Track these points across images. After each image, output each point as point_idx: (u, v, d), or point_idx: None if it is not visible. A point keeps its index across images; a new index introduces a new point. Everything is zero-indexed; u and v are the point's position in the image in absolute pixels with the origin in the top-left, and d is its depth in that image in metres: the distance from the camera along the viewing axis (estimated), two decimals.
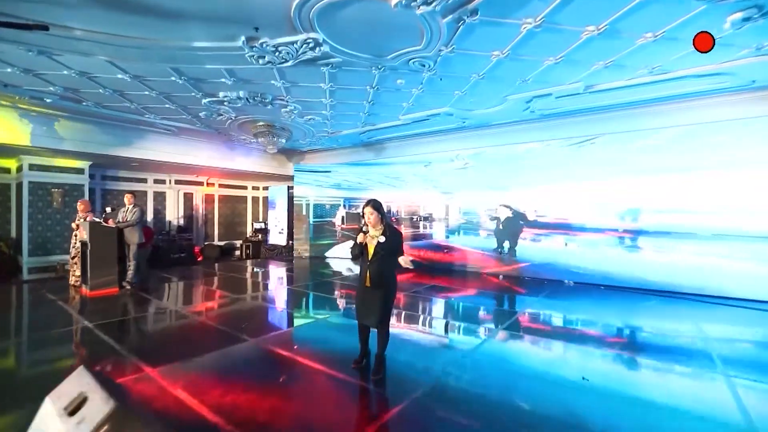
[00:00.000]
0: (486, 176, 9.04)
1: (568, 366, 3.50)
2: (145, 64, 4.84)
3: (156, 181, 11.73)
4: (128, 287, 6.23)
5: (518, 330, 4.56)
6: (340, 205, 11.68)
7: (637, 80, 5.43)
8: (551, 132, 7.74)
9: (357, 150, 10.73)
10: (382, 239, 3.15)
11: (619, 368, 3.52)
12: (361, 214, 3.29)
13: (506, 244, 8.80)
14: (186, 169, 10.98)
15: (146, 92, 5.89)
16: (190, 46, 4.33)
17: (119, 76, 5.20)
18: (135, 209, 6.48)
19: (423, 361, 3.51)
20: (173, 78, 5.31)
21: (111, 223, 6.30)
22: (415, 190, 10.43)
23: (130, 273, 6.31)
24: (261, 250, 12.29)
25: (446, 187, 9.85)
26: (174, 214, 12.02)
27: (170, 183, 11.97)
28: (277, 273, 9.09)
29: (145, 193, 11.52)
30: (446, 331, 4.64)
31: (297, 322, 4.95)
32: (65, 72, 5.06)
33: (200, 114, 7.16)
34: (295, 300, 6.24)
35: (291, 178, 11.94)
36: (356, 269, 7.53)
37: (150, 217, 11.51)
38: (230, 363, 3.45)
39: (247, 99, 6.23)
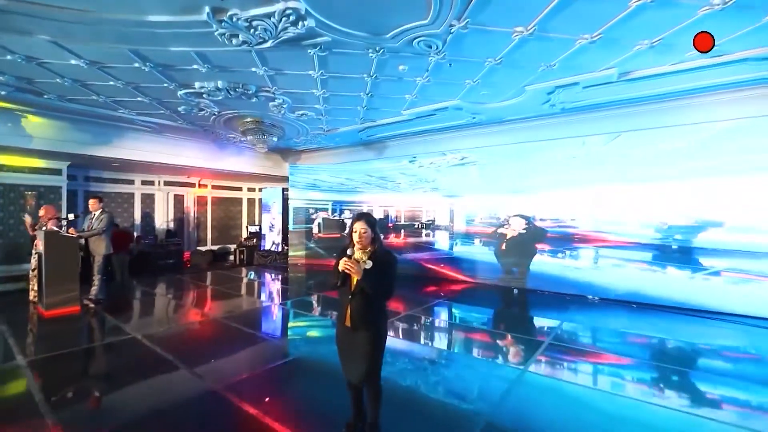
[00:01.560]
0: (498, 177, 8.17)
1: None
2: (97, 45, 4.06)
3: (144, 183, 11.02)
4: (91, 305, 5.47)
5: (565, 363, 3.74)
6: (324, 209, 10.88)
7: (684, 65, 4.57)
8: (573, 128, 6.89)
9: (356, 149, 9.93)
10: (369, 265, 2.34)
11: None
12: (350, 231, 2.48)
13: (515, 268, 7.79)
14: (175, 170, 10.25)
15: (111, 82, 5.13)
16: (145, 21, 3.54)
17: (73, 61, 4.43)
18: (102, 216, 5.71)
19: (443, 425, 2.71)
20: (137, 64, 4.54)
21: (73, 232, 5.55)
22: (414, 192, 9.60)
23: (94, 289, 5.55)
24: (255, 256, 11.52)
25: (450, 189, 9.00)
26: (163, 218, 11.30)
27: (159, 184, 11.26)
28: (268, 286, 8.31)
29: (132, 195, 10.82)
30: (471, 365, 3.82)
31: (276, 358, 4.13)
32: (9, 57, 4.31)
33: (179, 109, 6.39)
34: (280, 326, 5.44)
35: (287, 179, 11.17)
36: None
37: (138, 220, 10.81)
38: (176, 423, 2.67)
39: (227, 90, 5.45)
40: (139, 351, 4.07)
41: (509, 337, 4.82)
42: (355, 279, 2.36)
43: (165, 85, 5.24)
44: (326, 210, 10.91)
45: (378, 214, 10.42)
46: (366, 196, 10.50)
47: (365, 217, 2.44)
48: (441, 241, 9.21)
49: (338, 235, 10.73)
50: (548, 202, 7.51)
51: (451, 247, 8.95)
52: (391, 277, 2.38)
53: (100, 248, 5.57)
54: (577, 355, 4.13)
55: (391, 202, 10.03)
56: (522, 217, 7.82)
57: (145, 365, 3.71)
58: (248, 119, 7.15)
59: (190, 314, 5.62)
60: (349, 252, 2.39)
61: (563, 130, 6.99)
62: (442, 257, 9.06)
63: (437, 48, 4.16)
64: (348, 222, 10.75)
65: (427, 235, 9.53)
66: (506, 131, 7.61)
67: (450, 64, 4.62)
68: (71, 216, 5.83)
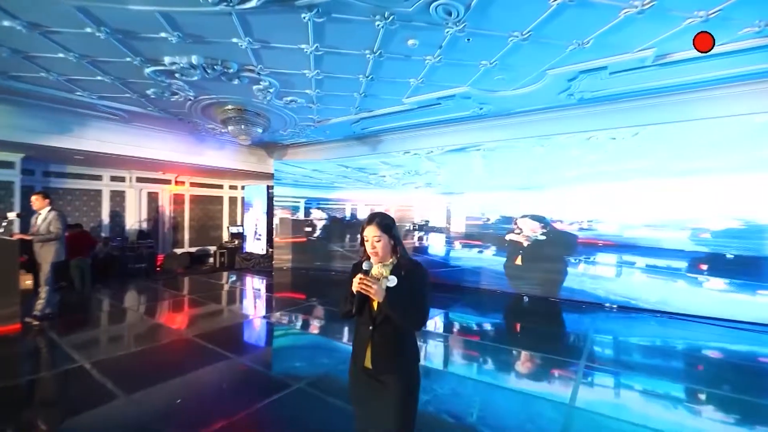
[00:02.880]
0: (505, 171, 7.48)
1: None
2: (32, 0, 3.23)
3: (113, 179, 10.00)
4: (35, 323, 4.57)
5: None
6: (293, 207, 10.13)
7: (731, 46, 4.02)
8: (590, 121, 6.30)
9: (348, 144, 9.18)
10: (393, 282, 1.67)
11: None
12: (360, 239, 1.80)
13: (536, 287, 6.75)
14: (148, 165, 9.29)
15: (60, 54, 4.26)
16: None
17: (5, 23, 3.57)
18: (51, 215, 4.78)
19: None
20: (89, 29, 3.70)
21: (21, 235, 4.64)
22: (404, 189, 8.87)
23: (39, 303, 4.64)
24: (237, 259, 10.64)
25: (447, 185, 8.32)
26: (135, 217, 10.30)
27: (131, 181, 10.25)
28: (252, 294, 7.48)
29: (99, 192, 9.80)
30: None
31: (261, 394, 3.36)
32: None
33: (148, 92, 5.53)
34: (266, 347, 4.66)
35: (272, 176, 10.33)
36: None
37: (106, 220, 9.79)
38: None
39: (204, 69, 4.65)
40: (84, 385, 3.23)
41: (534, 357, 4.18)
42: (376, 303, 1.70)
43: (128, 59, 4.40)
44: (291, 208, 10.11)
45: (361, 215, 9.69)
46: (344, 193, 9.76)
47: (377, 219, 1.75)
48: (436, 245, 8.53)
49: (304, 239, 9.99)
50: (563, 201, 6.85)
51: (448, 253, 8.28)
52: (423, 296, 1.71)
53: (47, 255, 4.66)
54: (626, 378, 3.52)
55: (378, 199, 9.29)
56: (535, 218, 7.11)
57: (88, 404, 2.90)
58: (229, 107, 6.33)
59: (157, 332, 4.79)
60: (365, 267, 1.70)
61: (579, 124, 6.42)
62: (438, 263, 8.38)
63: (457, 16, 3.48)
64: (318, 222, 10.01)
65: (421, 239, 8.87)
66: (515, 125, 6.99)
67: (468, 39, 3.95)
68: (11, 215, 4.89)
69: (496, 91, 5.62)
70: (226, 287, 7.88)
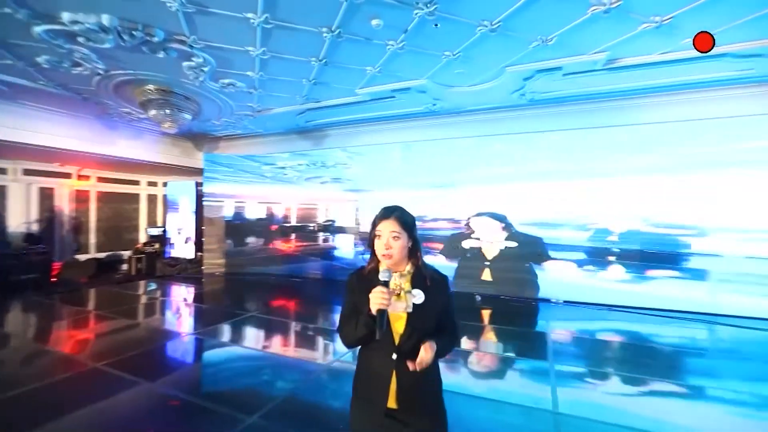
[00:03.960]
0: (429, 167, 7.36)
1: None
2: None
3: None
4: None
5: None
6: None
7: (671, 56, 4.29)
8: (538, 123, 6.46)
9: (290, 138, 8.49)
10: (420, 298, 1.33)
11: None
12: (370, 237, 1.40)
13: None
14: (40, 155, 7.64)
15: None
16: None
17: None
18: None
19: None
20: None
21: None
22: (309, 184, 8.39)
23: None
24: (158, 265, 9.30)
25: (359, 182, 8.02)
26: (22, 218, 8.46)
27: (16, 173, 8.40)
28: (176, 306, 6.47)
29: None
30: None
31: None
32: None
33: (39, 59, 4.42)
34: (197, 374, 3.94)
35: (201, 171, 9.20)
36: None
37: None
38: None
39: (119, 34, 3.78)
40: None
41: (501, 359, 4.04)
42: (400, 324, 1.32)
43: (7, 10, 3.39)
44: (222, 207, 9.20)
45: (258, 213, 9.01)
46: (229, 188, 8.95)
47: (397, 212, 1.37)
48: (344, 247, 8.23)
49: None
50: (478, 199, 7.00)
51: (357, 256, 8.04)
52: (453, 314, 1.40)
53: None
54: (599, 378, 3.51)
55: (275, 196, 8.66)
56: (495, 217, 6.87)
57: None
58: (151, 86, 5.37)
59: (50, 363, 3.79)
60: (383, 276, 1.29)
61: (526, 124, 6.55)
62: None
63: None
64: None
65: (326, 240, 8.49)
66: (464, 123, 6.94)
67: (436, 25, 3.68)
68: None
69: (452, 87, 5.47)
70: (144, 299, 6.74)
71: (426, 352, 1.26)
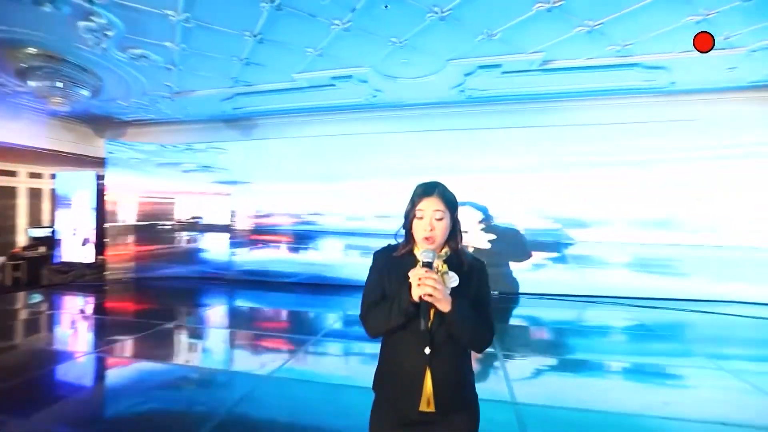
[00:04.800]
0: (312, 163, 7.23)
1: None
2: None
3: None
4: None
5: None
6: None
7: (598, 61, 4.65)
8: (471, 120, 6.62)
9: (214, 126, 7.65)
10: (454, 281, 1.16)
11: None
12: (410, 216, 1.20)
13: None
14: None
15: None
16: None
17: None
18: None
19: None
20: None
21: None
22: (161, 172, 7.75)
23: None
24: (44, 273, 7.75)
25: (234, 172, 7.68)
26: None
27: None
28: (65, 322, 5.35)
29: None
30: None
31: None
32: None
33: None
34: (96, 400, 3.24)
35: (102, 161, 7.86)
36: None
37: None
38: None
39: None
40: None
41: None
42: (432, 311, 1.12)
43: None
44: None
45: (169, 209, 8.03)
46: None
47: (440, 188, 1.19)
48: (217, 248, 7.77)
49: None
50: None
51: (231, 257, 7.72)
52: (490, 304, 1.24)
53: None
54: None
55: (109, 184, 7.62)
56: (477, 208, 6.65)
57: None
58: (32, 50, 4.36)
59: None
60: (426, 257, 1.11)
61: (462, 121, 6.67)
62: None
63: None
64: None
65: (191, 240, 7.94)
66: (405, 117, 6.86)
67: (387, 6, 3.49)
68: None
69: (395, 78, 5.34)
70: (24, 315, 5.50)
71: (442, 287, 1.07)
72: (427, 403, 1.11)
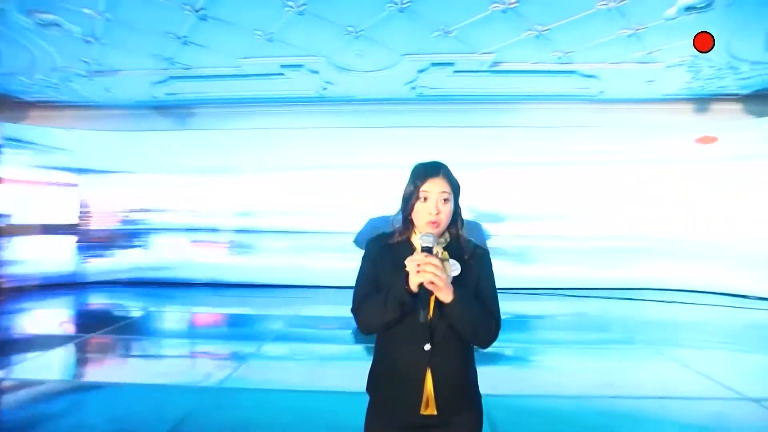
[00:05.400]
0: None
1: None
2: None
3: None
4: None
5: None
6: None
7: (542, 66, 4.93)
8: (420, 118, 6.66)
9: (142, 114, 6.83)
10: (456, 269, 1.02)
11: None
12: (411, 198, 1.06)
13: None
14: None
15: None
16: None
17: None
18: None
19: None
20: None
21: None
22: None
23: None
24: None
25: (80, 156, 6.89)
26: None
27: None
28: None
29: None
30: None
31: None
32: None
33: None
34: None
35: None
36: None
37: None
38: None
39: None
40: None
41: None
42: (432, 302, 1.01)
43: None
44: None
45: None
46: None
47: (444, 169, 1.08)
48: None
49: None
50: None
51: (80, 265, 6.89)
52: (496, 295, 1.13)
53: None
54: None
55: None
56: None
57: None
58: None
59: None
60: (426, 242, 0.97)
61: (410, 119, 6.67)
62: None
63: None
64: None
65: None
66: (352, 112, 6.71)
67: None
68: None
69: (349, 70, 5.20)
70: None
71: (444, 275, 0.93)
72: (426, 405, 1.01)
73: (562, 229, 6.73)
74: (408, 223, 1.10)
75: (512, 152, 6.75)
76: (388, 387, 1.07)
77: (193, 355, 3.93)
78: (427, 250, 0.96)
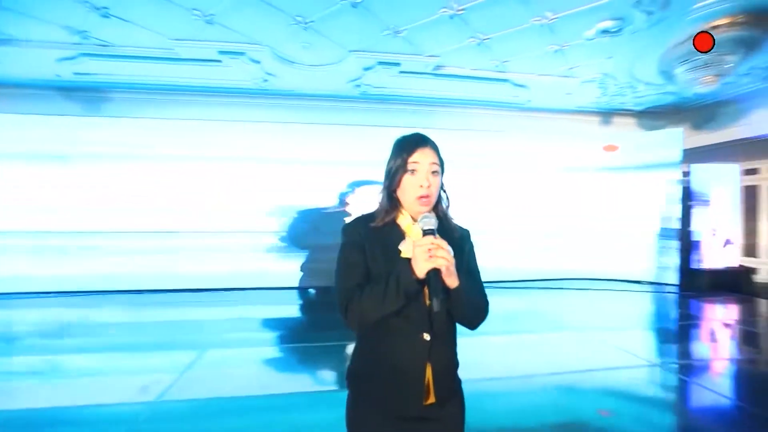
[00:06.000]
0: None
1: None
2: None
3: None
4: None
5: None
6: None
7: (480, 72, 5.26)
8: (362, 116, 6.70)
9: (44, 94, 5.86)
10: (451, 252, 0.94)
11: None
12: (398, 171, 1.00)
13: None
14: None
15: None
16: None
17: None
18: None
19: None
20: None
21: None
22: None
23: None
24: None
25: None
26: None
27: None
28: None
29: None
30: None
31: None
32: None
33: None
34: None
35: None
36: None
37: None
38: None
39: None
40: None
41: None
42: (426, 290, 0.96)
43: None
44: None
45: None
46: None
47: (431, 141, 1.04)
48: None
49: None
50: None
51: None
52: (479, 275, 1.11)
53: None
54: None
55: None
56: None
57: None
58: None
59: None
60: (427, 224, 0.93)
61: (352, 117, 6.67)
62: None
63: None
64: None
65: None
66: (295, 107, 6.50)
67: None
68: None
69: (293, 62, 5.03)
70: None
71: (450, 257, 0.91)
72: (427, 396, 0.98)
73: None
74: (394, 202, 1.03)
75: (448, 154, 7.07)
76: (383, 379, 1.00)
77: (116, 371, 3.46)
78: (431, 232, 0.92)
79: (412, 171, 0.99)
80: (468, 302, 0.98)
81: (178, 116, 6.26)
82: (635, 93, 5.98)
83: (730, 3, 3.55)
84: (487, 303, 1.06)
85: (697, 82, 4.67)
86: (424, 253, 0.88)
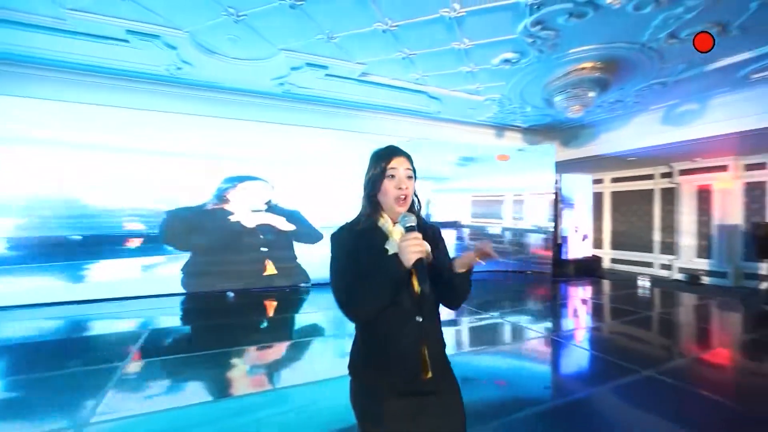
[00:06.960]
0: None
1: None
2: None
3: None
4: None
5: None
6: None
7: (398, 83, 5.66)
8: (285, 115, 6.61)
9: None
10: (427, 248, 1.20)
11: None
12: (377, 177, 1.21)
13: None
14: None
15: None
16: None
17: None
18: None
19: None
20: None
21: None
22: None
23: None
24: None
25: None
26: None
27: None
28: None
29: None
30: None
31: None
32: None
33: None
34: None
35: None
36: None
37: None
38: None
39: None
40: None
41: None
42: (415, 277, 1.15)
43: None
44: None
45: None
46: None
47: (405, 151, 1.24)
48: None
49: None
50: None
51: None
52: (447, 251, 1.37)
53: None
54: None
55: None
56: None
57: None
58: None
59: None
60: (406, 222, 1.15)
61: (278, 115, 6.55)
62: None
63: None
64: None
65: None
66: (212, 100, 6.09)
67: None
68: None
69: (214, 53, 4.76)
70: None
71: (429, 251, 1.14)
72: (425, 371, 1.14)
73: None
74: (375, 206, 1.21)
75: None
76: (386, 361, 1.15)
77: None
78: (412, 229, 1.12)
79: (392, 176, 1.18)
80: (462, 282, 1.19)
81: (66, 98, 5.31)
82: (524, 112, 7.11)
83: (594, 52, 4.57)
84: (470, 284, 1.29)
85: (568, 109, 5.82)
86: (410, 246, 1.06)
